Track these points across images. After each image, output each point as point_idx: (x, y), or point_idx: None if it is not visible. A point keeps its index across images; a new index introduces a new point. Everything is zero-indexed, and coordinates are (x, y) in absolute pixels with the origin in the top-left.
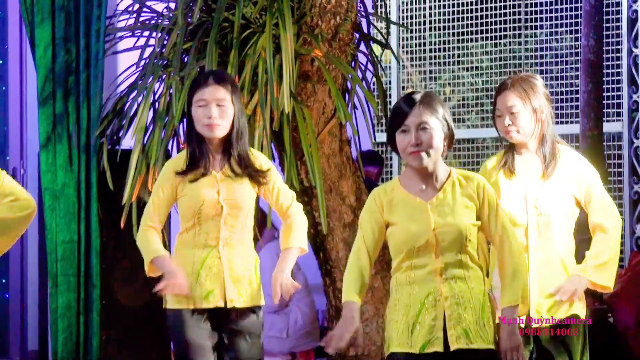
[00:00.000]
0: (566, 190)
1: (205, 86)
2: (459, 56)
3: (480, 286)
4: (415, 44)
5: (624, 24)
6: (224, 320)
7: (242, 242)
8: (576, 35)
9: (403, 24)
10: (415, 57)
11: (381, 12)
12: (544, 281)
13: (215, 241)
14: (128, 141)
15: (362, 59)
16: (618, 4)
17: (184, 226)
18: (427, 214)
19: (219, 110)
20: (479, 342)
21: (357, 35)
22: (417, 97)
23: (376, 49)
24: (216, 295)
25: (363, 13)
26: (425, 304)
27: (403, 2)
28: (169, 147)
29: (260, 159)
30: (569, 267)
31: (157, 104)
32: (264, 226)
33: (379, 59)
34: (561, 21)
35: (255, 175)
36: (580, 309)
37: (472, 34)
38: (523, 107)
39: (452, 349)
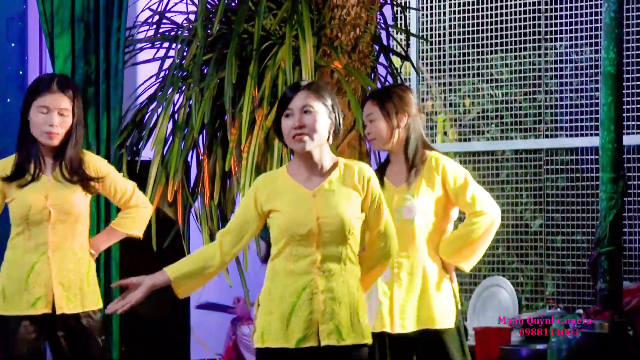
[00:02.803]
0: (431, 194)
1: (48, 92)
2: (478, 68)
3: (355, 281)
4: (435, 56)
5: None
6: (55, 326)
7: (73, 248)
8: (596, 48)
9: (423, 36)
10: (435, 69)
11: (401, 24)
12: (408, 287)
13: (45, 247)
14: (148, 152)
15: (381, 71)
16: (638, 17)
17: (15, 231)
18: (311, 202)
19: (60, 119)
20: (351, 339)
21: (377, 47)
22: (304, 82)
23: (396, 61)
24: (44, 301)
25: (383, 25)
26: (302, 297)
27: (423, 14)
28: (189, 158)
29: (96, 163)
30: (429, 273)
31: (176, 115)
32: None
33: (399, 71)
34: (581, 34)
35: (86, 183)
36: (448, 320)
37: (491, 46)
38: (378, 115)
39: (322, 344)
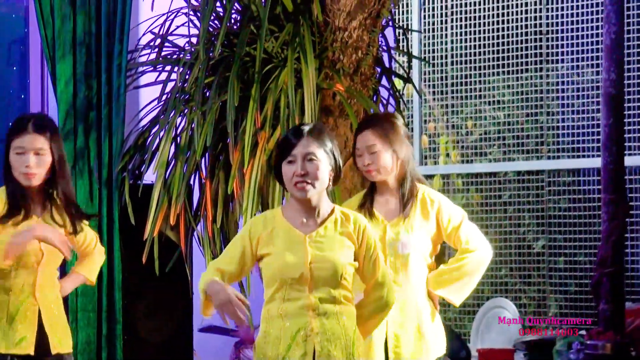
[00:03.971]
0: (425, 230)
1: (24, 133)
2: (480, 90)
3: (352, 322)
4: (437, 78)
5: None
6: None
7: (55, 288)
8: (597, 69)
9: (425, 58)
10: (437, 91)
11: (403, 47)
12: (402, 321)
13: (32, 287)
14: (150, 176)
15: (383, 93)
16: (639, 39)
17: None
18: (305, 247)
19: (36, 160)
20: None
21: (379, 69)
22: (306, 128)
23: (398, 83)
24: (29, 341)
25: (385, 47)
26: (296, 339)
27: (425, 37)
28: (191, 182)
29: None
30: (422, 308)
31: (179, 138)
32: None
33: (401, 93)
34: (582, 55)
35: (75, 223)
36: (440, 349)
37: (493, 67)
38: (382, 147)
39: None
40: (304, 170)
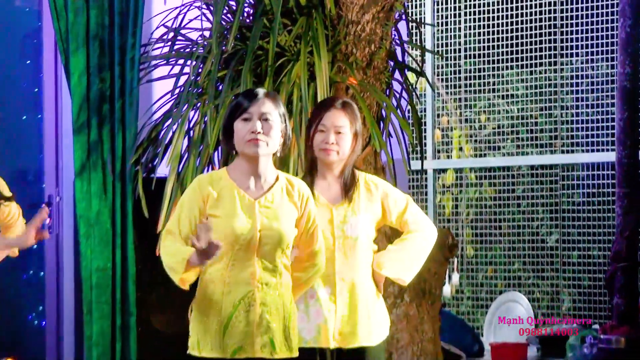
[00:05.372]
0: (370, 213)
1: None
2: (494, 84)
3: (289, 293)
4: (450, 72)
5: None
6: None
7: None
8: (612, 63)
9: (438, 51)
10: (450, 85)
11: (416, 40)
12: (351, 302)
13: None
14: (163, 169)
15: (396, 86)
16: None
17: None
18: (255, 212)
19: None
20: (283, 352)
21: (392, 63)
22: (261, 90)
23: (411, 76)
24: None
25: (398, 41)
26: (239, 308)
27: (438, 30)
28: None
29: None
30: (370, 288)
31: (191, 132)
32: None
33: (414, 86)
34: (597, 49)
35: None
36: (385, 330)
37: (507, 61)
38: (349, 130)
39: (255, 356)
40: (260, 128)
